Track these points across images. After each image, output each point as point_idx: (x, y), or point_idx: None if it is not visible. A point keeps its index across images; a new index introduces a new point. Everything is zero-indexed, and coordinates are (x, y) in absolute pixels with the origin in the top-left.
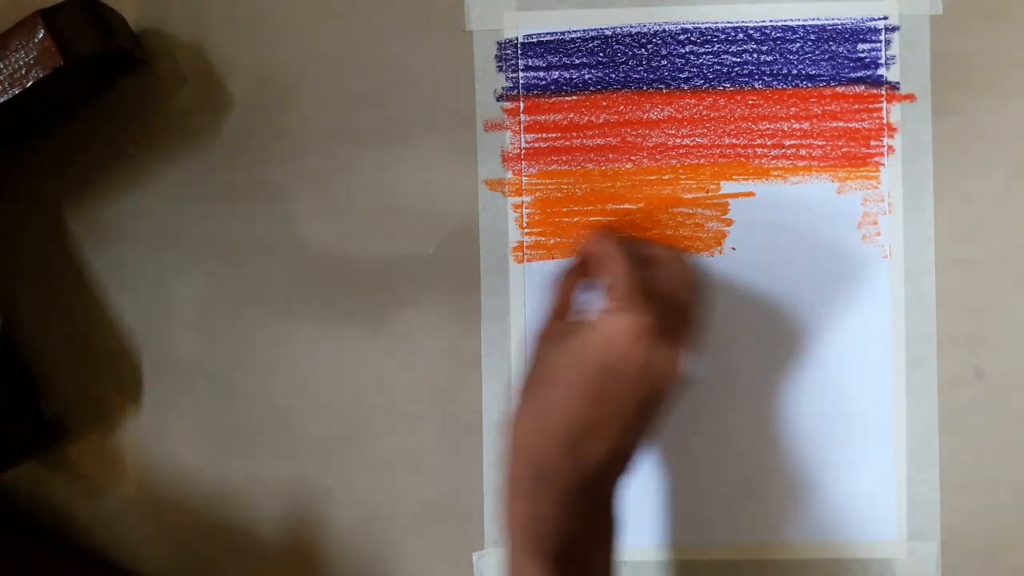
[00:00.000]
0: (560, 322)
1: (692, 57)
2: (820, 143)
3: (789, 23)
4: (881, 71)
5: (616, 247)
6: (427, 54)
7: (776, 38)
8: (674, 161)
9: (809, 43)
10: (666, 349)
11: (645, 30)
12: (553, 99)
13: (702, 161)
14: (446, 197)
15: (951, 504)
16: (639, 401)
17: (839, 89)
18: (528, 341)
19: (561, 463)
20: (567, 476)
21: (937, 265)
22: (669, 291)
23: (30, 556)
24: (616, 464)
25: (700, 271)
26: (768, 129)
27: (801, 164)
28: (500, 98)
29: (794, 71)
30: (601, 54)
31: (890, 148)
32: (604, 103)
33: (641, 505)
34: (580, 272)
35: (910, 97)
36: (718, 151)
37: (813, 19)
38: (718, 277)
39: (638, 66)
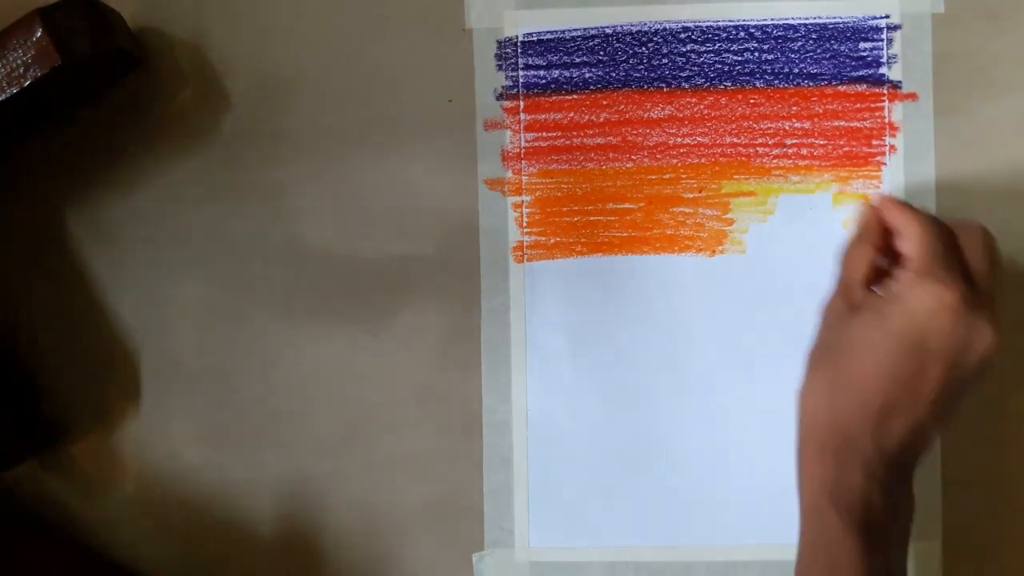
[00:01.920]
0: (859, 291)
1: (693, 56)
2: (822, 142)
3: (790, 22)
4: (883, 70)
5: (913, 214)
6: (426, 53)
7: (777, 37)
8: (675, 160)
9: (811, 42)
10: (978, 324)
11: (646, 28)
12: (553, 98)
13: (703, 160)
14: (446, 197)
15: (951, 504)
16: (949, 376)
17: (841, 88)
18: (818, 312)
19: (866, 434)
20: (874, 447)
21: None
22: (970, 264)
23: (30, 556)
24: (918, 441)
25: (993, 244)
26: (769, 128)
27: (802, 163)
28: (500, 97)
29: (795, 70)
30: (601, 53)
31: (892, 147)
32: (604, 102)
33: (641, 505)
34: (868, 243)
35: (912, 96)
36: (719, 150)
37: (815, 18)
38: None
39: (639, 65)
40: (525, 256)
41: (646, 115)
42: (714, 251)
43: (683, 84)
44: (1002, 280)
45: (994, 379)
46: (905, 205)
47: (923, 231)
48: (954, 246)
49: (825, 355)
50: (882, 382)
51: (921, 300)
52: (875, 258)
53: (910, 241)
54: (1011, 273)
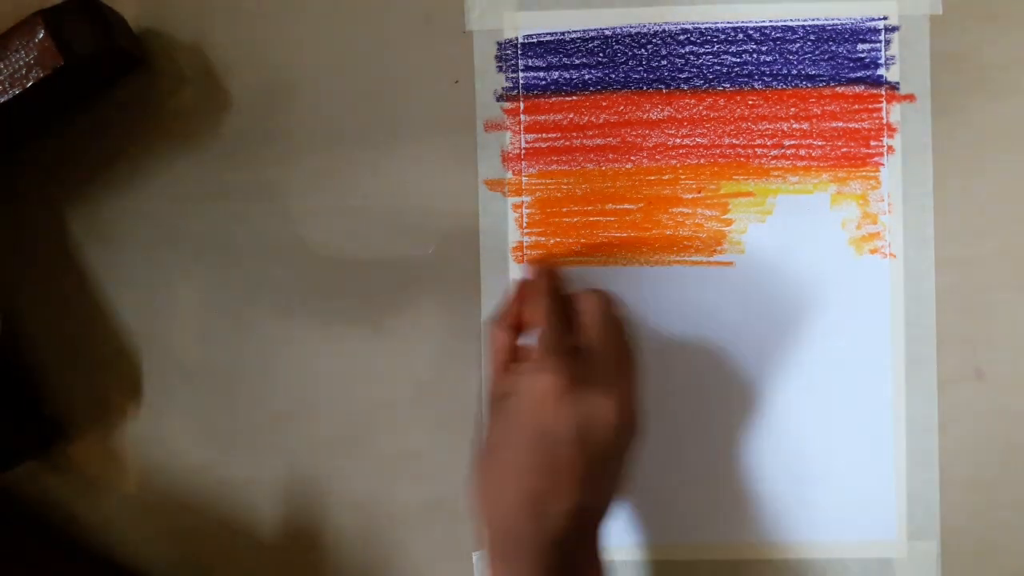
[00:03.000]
0: (503, 378)
1: (692, 57)
2: (820, 143)
3: (789, 23)
4: (881, 71)
5: (539, 297)
6: (427, 54)
7: (776, 38)
8: (674, 161)
9: (809, 43)
10: (597, 399)
11: (645, 30)
12: (553, 99)
13: (702, 161)
14: (446, 197)
15: (951, 504)
16: (588, 455)
17: (839, 89)
18: (483, 401)
19: (527, 527)
20: (538, 540)
21: (937, 265)
22: (593, 336)
23: (30, 556)
24: (587, 518)
25: (622, 308)
26: (768, 129)
27: (801, 164)
28: (500, 98)
29: (794, 71)
30: (601, 54)
31: (890, 148)
32: (604, 103)
33: (640, 504)
34: (506, 326)
35: (910, 97)
36: (718, 151)
37: (813, 19)
38: (718, 278)
39: (638, 66)
40: (525, 256)
41: (645, 116)
42: (713, 251)
43: (682, 85)
44: (633, 338)
45: (994, 379)
46: (541, 283)
47: (543, 314)
48: (566, 323)
49: (486, 448)
50: (525, 474)
51: (535, 388)
52: (514, 339)
53: (536, 321)
54: (1012, 272)
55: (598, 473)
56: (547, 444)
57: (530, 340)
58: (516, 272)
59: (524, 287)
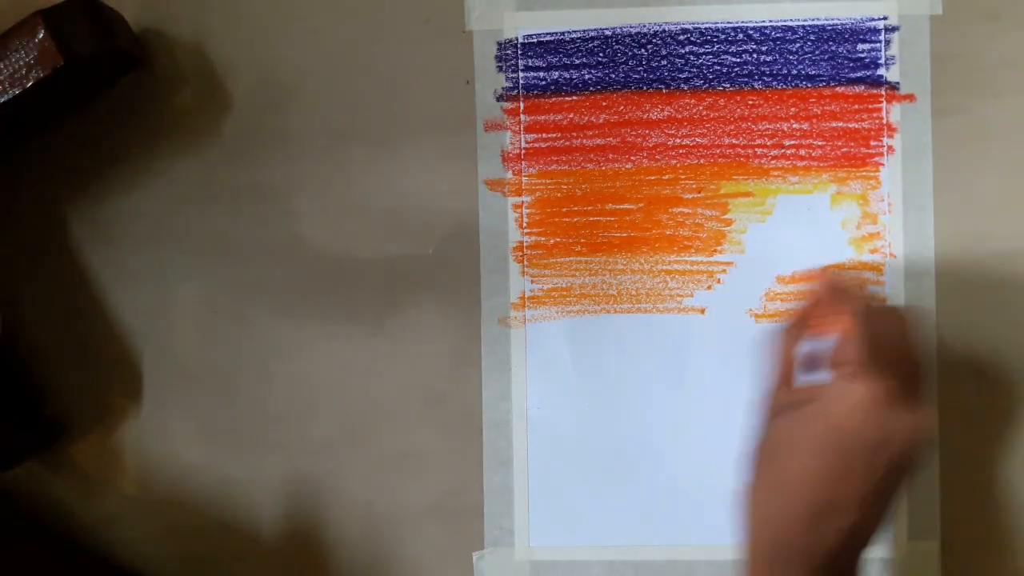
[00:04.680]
0: (789, 389)
1: (692, 57)
2: (820, 143)
3: (789, 23)
4: (881, 71)
5: (841, 307)
6: (427, 54)
7: (776, 38)
8: (674, 161)
9: (809, 43)
10: (904, 417)
11: (645, 30)
12: (553, 99)
13: (702, 161)
14: (446, 197)
15: (951, 504)
16: (881, 473)
17: (839, 89)
18: (756, 407)
19: (802, 539)
20: (810, 553)
21: (937, 265)
22: (898, 352)
23: (30, 556)
24: (859, 538)
25: (921, 327)
26: (768, 129)
27: (801, 164)
28: (500, 98)
29: (794, 71)
30: (601, 54)
31: (890, 148)
32: (604, 103)
33: (641, 504)
34: (800, 328)
35: (910, 97)
36: (718, 151)
37: (813, 19)
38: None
39: (638, 66)
40: (525, 257)
41: (645, 116)
42: (713, 251)
43: (682, 85)
44: (927, 359)
45: (994, 379)
46: (844, 294)
47: (851, 324)
48: (880, 337)
49: (761, 455)
50: (810, 484)
51: (846, 397)
52: (803, 344)
53: (837, 332)
54: (1012, 272)
55: (886, 493)
56: (847, 453)
57: (817, 348)
58: (516, 272)
59: (823, 294)
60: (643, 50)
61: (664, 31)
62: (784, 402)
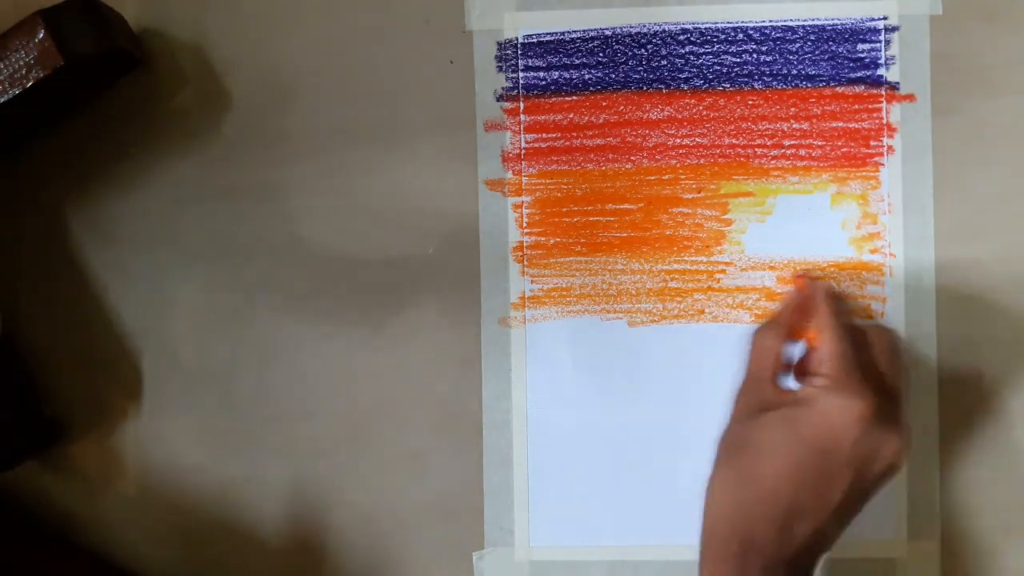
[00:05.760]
0: (769, 387)
1: (692, 57)
2: (820, 143)
3: (789, 23)
4: (881, 71)
5: (830, 317)
6: (427, 54)
7: (776, 38)
8: (674, 161)
9: (809, 43)
10: (886, 435)
11: (645, 30)
12: (553, 99)
13: (702, 161)
14: (446, 197)
15: (952, 504)
16: (855, 485)
17: (839, 89)
18: (730, 401)
19: (769, 536)
20: (774, 550)
21: (937, 265)
22: (880, 370)
23: (30, 556)
24: (821, 543)
25: (907, 349)
26: (768, 129)
27: (801, 164)
28: (500, 98)
29: (794, 71)
30: (601, 54)
31: (890, 148)
32: (604, 103)
33: (641, 504)
34: (783, 330)
35: (910, 97)
36: (718, 151)
37: (813, 19)
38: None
39: (638, 66)
40: (525, 257)
41: (645, 116)
42: (713, 252)
43: (682, 85)
44: (909, 379)
45: (994, 379)
46: (828, 305)
47: (835, 336)
48: (865, 352)
49: (734, 451)
50: (790, 486)
51: (833, 410)
52: (785, 348)
53: (824, 345)
54: (1012, 272)
55: (855, 504)
56: (825, 462)
57: (797, 352)
58: (516, 272)
59: (805, 300)
60: (643, 50)
61: (664, 31)
62: (763, 402)
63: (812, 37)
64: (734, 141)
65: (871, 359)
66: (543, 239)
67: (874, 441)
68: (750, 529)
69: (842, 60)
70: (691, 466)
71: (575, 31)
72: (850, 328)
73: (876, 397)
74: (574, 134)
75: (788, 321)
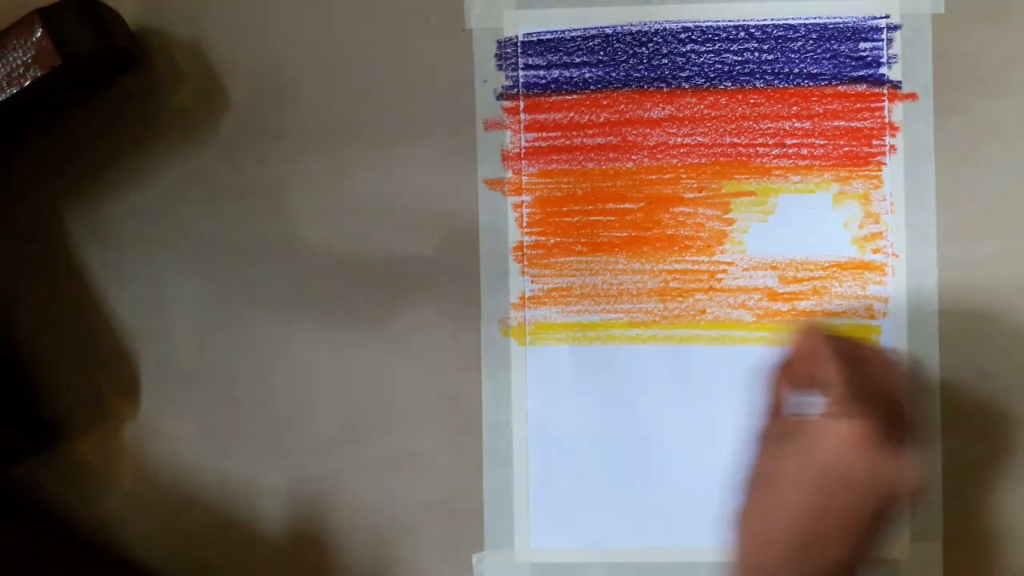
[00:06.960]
0: (780, 420)
1: (693, 56)
2: (822, 142)
3: (791, 22)
4: (883, 70)
5: (824, 345)
6: (427, 53)
7: (777, 37)
8: (675, 160)
9: (811, 42)
10: (891, 456)
11: (646, 28)
12: (553, 98)
13: (703, 160)
14: (446, 197)
15: (953, 504)
16: (867, 511)
17: (841, 88)
18: (749, 437)
19: (786, 571)
20: None
21: (939, 264)
22: (884, 393)
23: (30, 555)
24: (842, 573)
25: (914, 371)
26: (769, 128)
27: (803, 163)
28: (500, 97)
29: (796, 70)
30: (601, 53)
31: (892, 147)
32: (604, 102)
33: (641, 505)
34: (791, 367)
35: (912, 96)
36: (719, 150)
37: (815, 18)
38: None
39: (639, 65)
40: (525, 257)
41: (646, 115)
42: (714, 251)
43: (683, 84)
44: (920, 402)
45: (995, 379)
46: (823, 335)
47: (832, 362)
48: (871, 376)
49: (759, 484)
50: (795, 516)
51: (833, 432)
52: (794, 382)
53: (822, 371)
54: (1013, 272)
55: (871, 532)
56: (834, 488)
57: (806, 398)
58: (516, 272)
59: (804, 339)
60: (644, 48)
61: (665, 29)
62: (776, 432)
63: (814, 36)
64: (736, 140)
65: (878, 382)
66: (543, 239)
67: (866, 465)
68: (768, 565)
69: (844, 59)
70: (692, 467)
71: (575, 29)
72: (855, 353)
73: (871, 421)
74: (574, 133)
75: (802, 362)
